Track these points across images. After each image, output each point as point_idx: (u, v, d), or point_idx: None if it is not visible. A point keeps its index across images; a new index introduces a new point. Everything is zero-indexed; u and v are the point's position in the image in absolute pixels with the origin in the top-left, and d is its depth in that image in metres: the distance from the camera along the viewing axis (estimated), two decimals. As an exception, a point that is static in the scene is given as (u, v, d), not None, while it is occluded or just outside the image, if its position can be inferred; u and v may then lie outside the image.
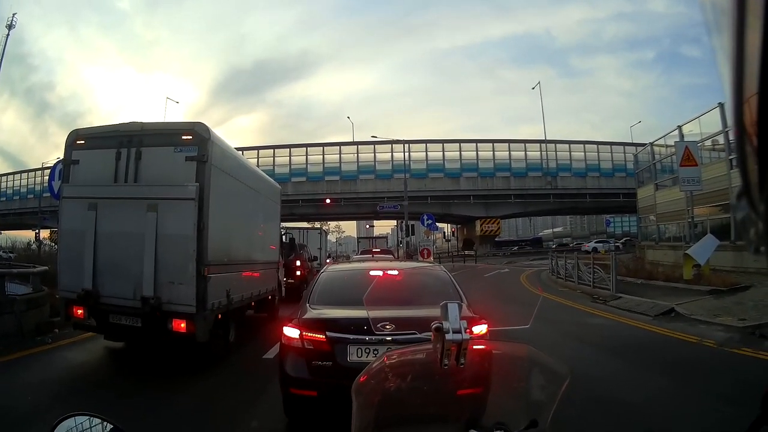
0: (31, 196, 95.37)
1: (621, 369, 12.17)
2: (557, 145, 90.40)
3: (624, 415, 8.63)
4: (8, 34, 59.95)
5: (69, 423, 2.56)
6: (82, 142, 13.26)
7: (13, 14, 61.15)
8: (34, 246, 59.51)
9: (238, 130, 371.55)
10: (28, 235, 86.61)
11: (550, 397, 2.40)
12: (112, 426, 2.57)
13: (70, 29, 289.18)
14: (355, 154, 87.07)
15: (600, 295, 26.16)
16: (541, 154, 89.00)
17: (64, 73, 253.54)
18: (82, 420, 2.58)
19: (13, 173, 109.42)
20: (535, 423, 2.34)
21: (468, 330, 2.23)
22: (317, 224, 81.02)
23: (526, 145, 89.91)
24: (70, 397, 9.95)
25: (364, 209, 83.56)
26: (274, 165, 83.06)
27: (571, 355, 12.78)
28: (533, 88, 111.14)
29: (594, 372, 11.29)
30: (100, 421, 2.58)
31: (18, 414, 9.07)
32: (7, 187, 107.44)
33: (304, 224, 67.65)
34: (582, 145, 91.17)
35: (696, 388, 10.22)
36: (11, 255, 70.66)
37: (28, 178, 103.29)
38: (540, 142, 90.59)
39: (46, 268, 19.68)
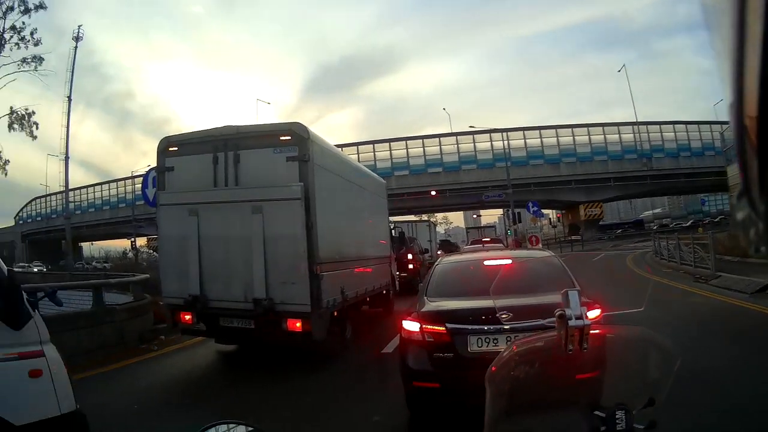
0: (123, 204, 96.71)
1: (718, 346, 12.13)
2: (649, 126, 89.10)
3: (726, 392, 8.65)
4: (76, 47, 60.16)
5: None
6: (175, 148, 13.28)
7: (79, 26, 61.41)
8: (130, 254, 60.17)
9: (333, 127, 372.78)
10: (121, 244, 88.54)
11: (665, 376, 2.49)
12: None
13: (142, 37, 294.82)
14: (455, 145, 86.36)
15: (701, 275, 26.11)
16: (634, 136, 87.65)
17: (142, 81, 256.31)
18: (225, 428, 2.67)
19: (101, 183, 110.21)
20: (653, 402, 2.43)
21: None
22: (424, 216, 79.83)
23: (620, 128, 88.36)
24: (179, 403, 10.16)
25: (469, 199, 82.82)
26: (375, 160, 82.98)
27: (677, 335, 11.95)
28: (619, 71, 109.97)
29: (697, 350, 10.86)
30: (244, 428, 2.73)
31: (125, 420, 9.13)
32: (95, 198, 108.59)
33: (412, 217, 66.89)
34: (672, 126, 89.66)
35: None
36: (106, 265, 71.87)
37: (117, 187, 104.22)
38: (632, 124, 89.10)
39: (147, 276, 20.07)
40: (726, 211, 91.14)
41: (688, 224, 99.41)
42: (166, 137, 13.52)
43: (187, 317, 12.71)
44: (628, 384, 2.81)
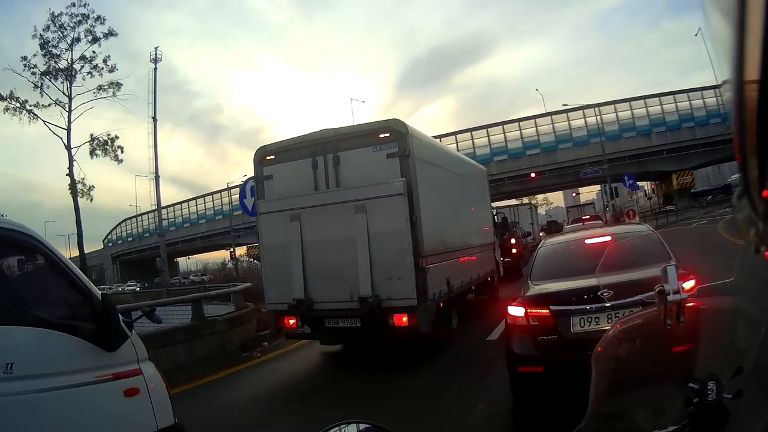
0: (220, 216, 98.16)
1: None
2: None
3: None
4: (156, 68, 61.04)
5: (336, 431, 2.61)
6: (272, 157, 13.55)
7: (156, 48, 62.24)
8: (230, 264, 60.79)
9: (429, 119, 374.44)
10: (220, 255, 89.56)
11: (751, 345, 2.44)
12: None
13: (224, 51, 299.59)
14: (551, 125, 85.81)
15: None
16: (716, 99, 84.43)
17: (229, 94, 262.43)
18: (348, 428, 2.65)
19: (195, 198, 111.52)
20: (741, 370, 2.35)
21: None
22: (525, 199, 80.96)
23: (703, 92, 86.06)
24: (283, 408, 10.42)
25: (567, 178, 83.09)
26: (474, 147, 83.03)
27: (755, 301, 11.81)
28: (696, 35, 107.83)
29: None
30: (365, 425, 2.70)
31: (224, 430, 9.52)
32: (189, 213, 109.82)
33: (513, 201, 68.43)
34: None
35: None
36: (204, 278, 72.83)
37: (213, 200, 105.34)
38: (713, 87, 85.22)
39: (249, 284, 20.46)
40: None
41: None
42: (262, 147, 13.79)
43: (291, 321, 12.93)
44: (719, 355, 2.77)
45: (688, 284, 6.57)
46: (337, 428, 2.62)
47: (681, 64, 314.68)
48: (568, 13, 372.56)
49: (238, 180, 54.22)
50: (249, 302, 18.92)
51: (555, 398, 7.06)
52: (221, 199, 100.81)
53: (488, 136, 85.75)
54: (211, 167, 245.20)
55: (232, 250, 64.24)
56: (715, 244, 28.30)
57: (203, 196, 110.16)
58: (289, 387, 12.11)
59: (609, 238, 9.48)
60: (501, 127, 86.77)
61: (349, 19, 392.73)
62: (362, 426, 2.69)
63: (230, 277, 39.93)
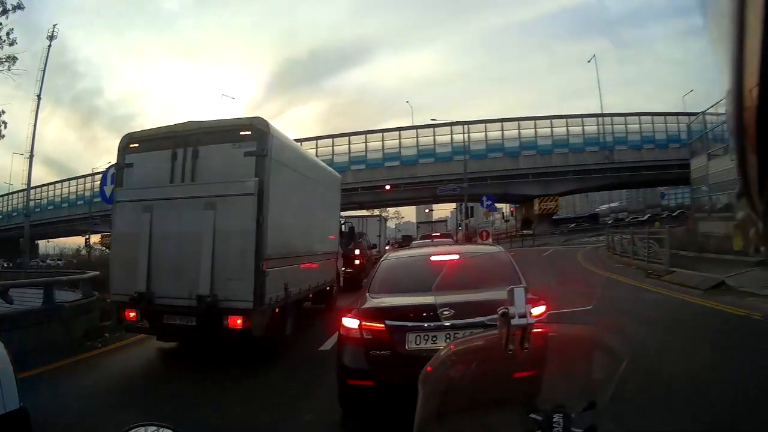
0: (81, 202, 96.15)
1: (672, 344, 12.07)
2: (613, 117, 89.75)
3: (678, 392, 8.48)
4: (50, 45, 59.32)
5: None
6: (136, 145, 13.32)
7: (54, 25, 60.43)
8: (84, 252, 59.71)
9: (295, 121, 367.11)
10: (78, 241, 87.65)
11: (608, 378, 2.42)
12: None
13: (115, 35, 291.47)
14: (415, 138, 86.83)
15: (654, 270, 26.35)
16: (598, 128, 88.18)
17: (111, 78, 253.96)
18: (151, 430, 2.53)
19: (62, 181, 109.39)
20: (593, 405, 2.33)
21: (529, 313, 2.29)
22: (377, 211, 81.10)
23: (583, 119, 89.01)
24: (119, 401, 10.13)
25: (424, 193, 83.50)
26: (333, 154, 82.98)
27: (627, 333, 12.07)
28: (588, 62, 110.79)
29: (648, 348, 10.84)
30: (166, 430, 2.53)
31: (67, 420, 9.04)
32: (54, 195, 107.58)
33: (364, 212, 67.23)
34: (637, 117, 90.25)
35: (743, 361, 10.09)
36: (59, 262, 71.44)
37: (77, 185, 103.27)
38: (596, 116, 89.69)
39: (98, 273, 19.99)
40: (686, 204, 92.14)
41: (644, 218, 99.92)
42: (128, 134, 13.64)
43: (132, 314, 12.65)
44: (570, 385, 2.78)
45: (538, 310, 6.82)
46: (136, 429, 2.50)
47: (565, 90, 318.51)
48: (456, 27, 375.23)
49: (104, 166, 53.27)
50: (96, 291, 18.59)
51: (384, 414, 7.15)
52: (85, 184, 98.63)
53: (349, 144, 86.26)
54: (82, 151, 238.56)
55: (87, 236, 63.11)
56: (572, 271, 29.67)
57: (68, 179, 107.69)
58: (122, 381, 11.96)
59: (456, 256, 9.45)
60: (364, 136, 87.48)
61: (239, 12, 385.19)
62: (163, 430, 2.54)
63: (83, 264, 39.26)
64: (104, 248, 55.92)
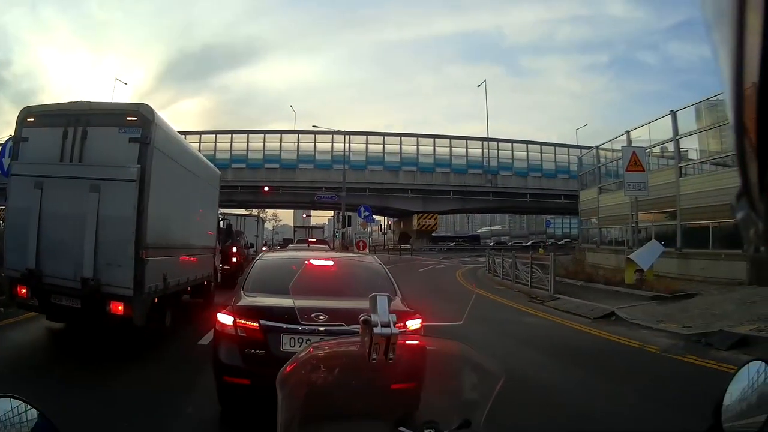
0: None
1: (557, 370, 12.31)
2: (499, 143, 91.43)
3: (560, 418, 8.69)
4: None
5: None
6: (33, 119, 13.02)
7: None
8: (-21, 224, 58.09)
9: (182, 114, 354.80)
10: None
11: (483, 397, 2.42)
12: (38, 412, 2.23)
13: (31, 8, 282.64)
14: (296, 143, 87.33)
15: (537, 295, 26.16)
16: (482, 152, 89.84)
17: (21, 52, 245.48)
18: (7, 404, 2.23)
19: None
20: (468, 423, 2.35)
21: (401, 324, 2.29)
22: (255, 212, 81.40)
23: (468, 142, 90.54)
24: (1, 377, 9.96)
25: (302, 198, 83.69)
26: (215, 150, 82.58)
27: (506, 355, 12.61)
28: (479, 86, 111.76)
29: (530, 372, 11.39)
30: (24, 405, 2.23)
31: None
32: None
33: (242, 211, 66.97)
34: (525, 145, 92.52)
35: (639, 393, 10.24)
36: (-47, 234, 69.02)
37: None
38: (482, 139, 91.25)
39: None
40: (573, 234, 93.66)
41: (528, 243, 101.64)
42: (26, 107, 13.25)
43: (23, 291, 12.30)
44: (443, 401, 2.78)
45: (415, 323, 7.31)
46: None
47: (453, 111, 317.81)
48: (351, 37, 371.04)
49: (3, 139, 52.22)
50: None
51: (262, 411, 7.17)
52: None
53: (232, 142, 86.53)
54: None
55: (-16, 208, 61.53)
56: (449, 287, 29.87)
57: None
58: (14, 357, 12.02)
59: (332, 263, 9.35)
60: (246, 135, 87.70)
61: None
62: (31, 411, 2.22)
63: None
64: (0, 221, 54.42)
